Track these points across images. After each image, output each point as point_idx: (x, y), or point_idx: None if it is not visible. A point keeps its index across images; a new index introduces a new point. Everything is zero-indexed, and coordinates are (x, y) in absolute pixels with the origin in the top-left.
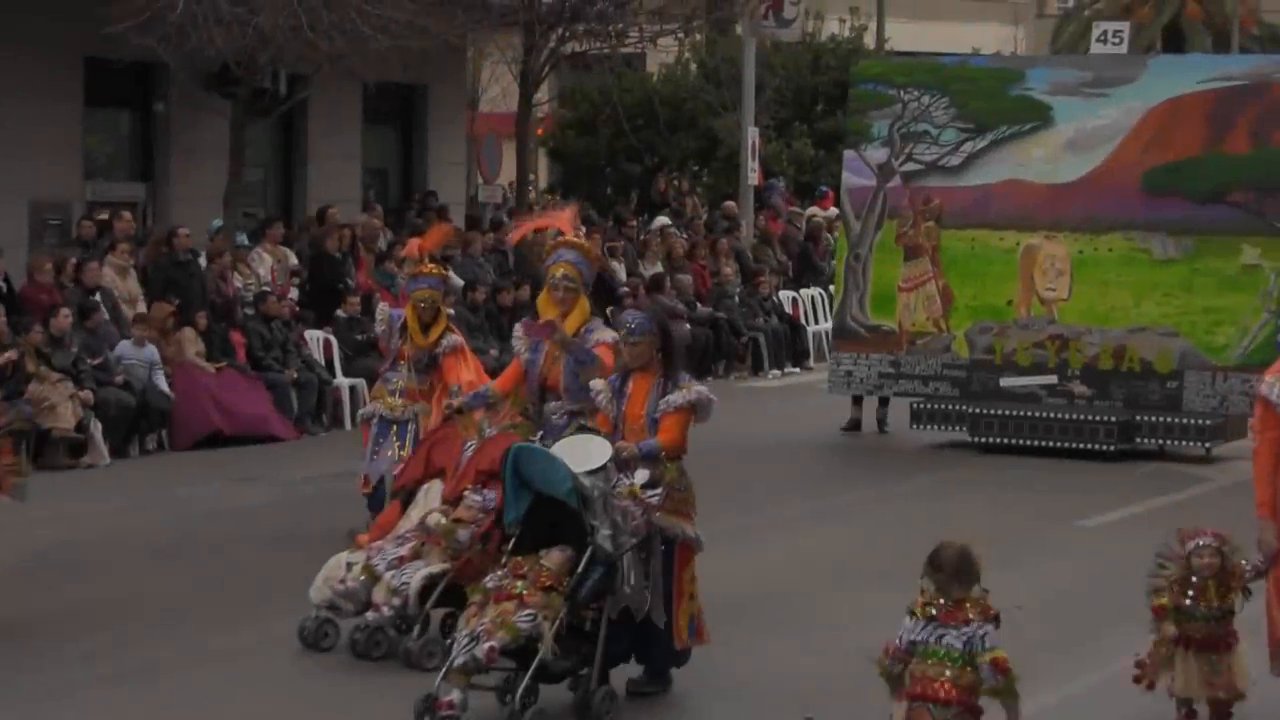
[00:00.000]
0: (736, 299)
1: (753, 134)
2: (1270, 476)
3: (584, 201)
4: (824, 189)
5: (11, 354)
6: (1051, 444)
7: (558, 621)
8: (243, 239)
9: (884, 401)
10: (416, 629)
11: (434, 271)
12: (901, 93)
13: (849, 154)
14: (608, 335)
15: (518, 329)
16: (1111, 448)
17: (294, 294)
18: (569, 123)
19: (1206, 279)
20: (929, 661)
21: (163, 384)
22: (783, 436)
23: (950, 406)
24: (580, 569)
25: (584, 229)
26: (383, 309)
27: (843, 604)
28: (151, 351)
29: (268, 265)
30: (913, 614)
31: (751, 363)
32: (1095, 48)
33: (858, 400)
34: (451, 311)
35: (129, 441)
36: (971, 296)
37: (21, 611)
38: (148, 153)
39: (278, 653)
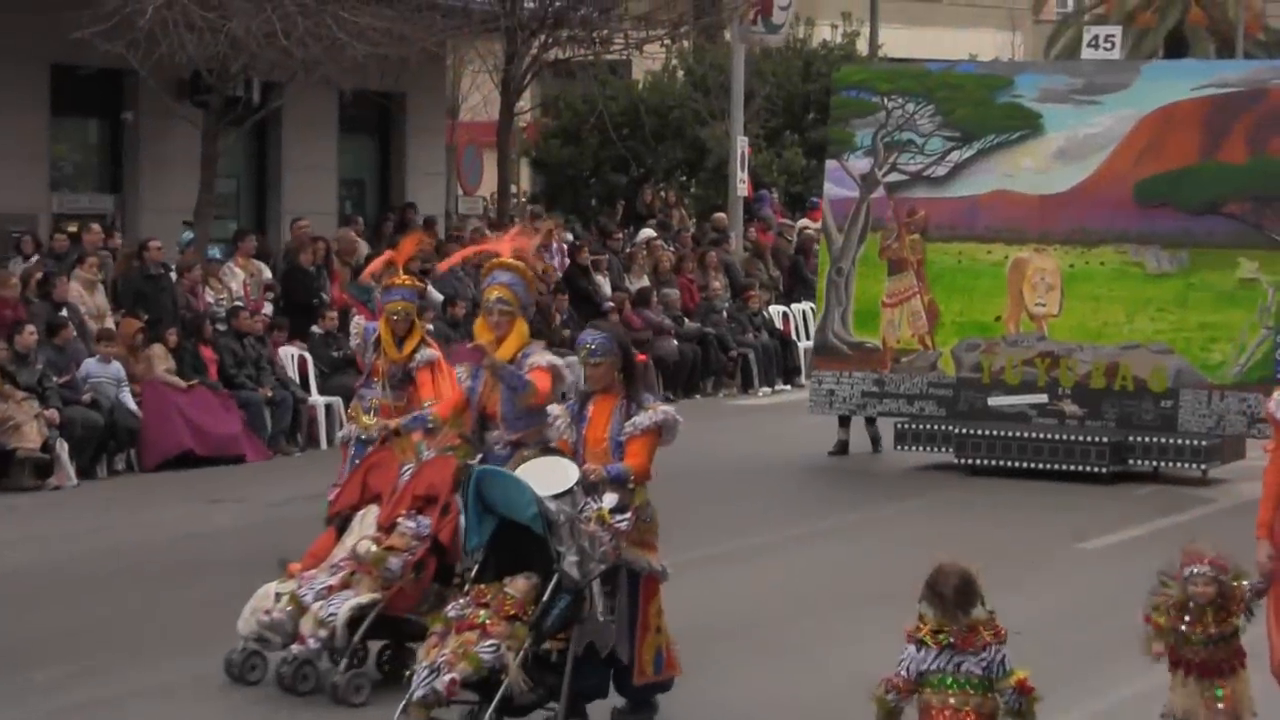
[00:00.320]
0: (725, 314)
1: (742, 143)
2: (1278, 498)
3: (557, 226)
4: (815, 200)
5: None
6: (1042, 466)
7: (522, 652)
8: (214, 253)
9: (871, 420)
10: (344, 662)
11: (408, 283)
12: (885, 100)
13: (831, 164)
14: (544, 360)
15: (453, 354)
16: (1104, 470)
17: (268, 309)
18: (552, 132)
19: (1202, 294)
20: (949, 691)
21: (131, 403)
22: (772, 457)
23: (936, 427)
24: (546, 597)
25: (563, 245)
26: (357, 322)
27: (835, 629)
28: (117, 369)
29: (240, 279)
30: (922, 643)
31: (741, 380)
32: (1086, 53)
33: (844, 422)
34: (430, 327)
35: (96, 462)
36: (958, 312)
37: None
38: (116, 163)
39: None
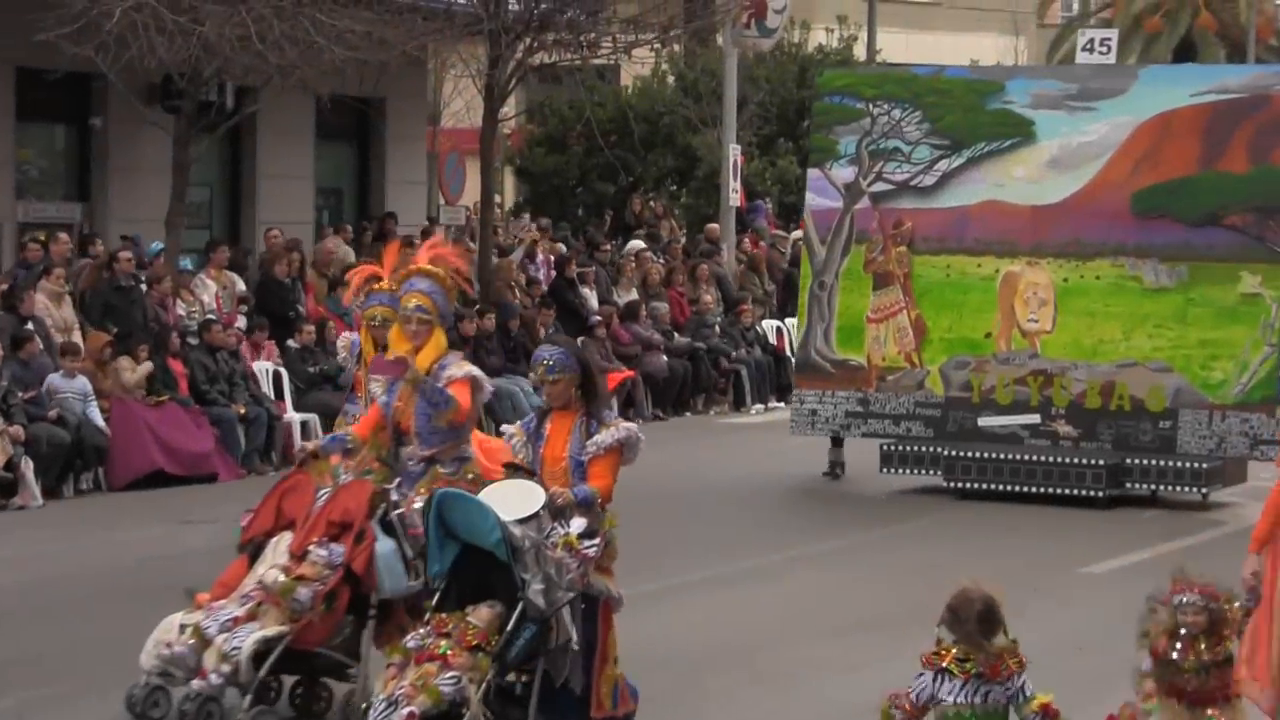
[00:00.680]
0: (717, 328)
1: (734, 151)
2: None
3: (544, 236)
4: None
5: None
6: (1035, 489)
7: (485, 684)
8: (186, 263)
9: (838, 442)
10: (248, 699)
11: (388, 288)
12: (870, 106)
13: (813, 173)
14: (462, 371)
15: (371, 366)
16: (1100, 493)
17: (241, 322)
18: (538, 139)
19: (1202, 309)
20: None
21: (99, 419)
22: (764, 477)
23: (924, 448)
24: (510, 626)
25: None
26: (344, 337)
27: (827, 657)
28: (83, 384)
29: (212, 291)
30: (945, 671)
31: (733, 397)
32: (1081, 57)
33: (838, 441)
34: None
35: (63, 481)
36: (947, 328)
37: None
38: (84, 170)
39: None
